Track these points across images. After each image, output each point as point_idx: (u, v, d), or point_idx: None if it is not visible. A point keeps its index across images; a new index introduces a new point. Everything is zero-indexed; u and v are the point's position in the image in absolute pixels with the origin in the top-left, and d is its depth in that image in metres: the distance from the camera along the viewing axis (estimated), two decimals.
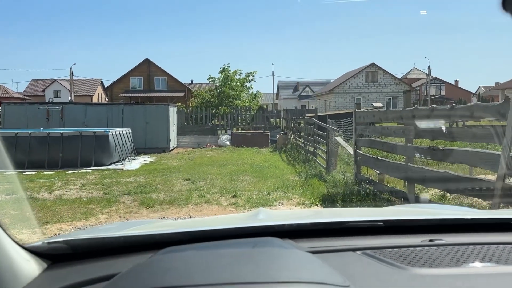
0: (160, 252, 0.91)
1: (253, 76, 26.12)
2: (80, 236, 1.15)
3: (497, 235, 1.09)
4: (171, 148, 15.84)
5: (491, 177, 4.88)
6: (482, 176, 5.53)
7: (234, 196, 6.95)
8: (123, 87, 38.15)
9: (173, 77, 38.76)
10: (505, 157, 3.90)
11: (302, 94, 54.73)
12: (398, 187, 6.37)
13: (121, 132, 12.17)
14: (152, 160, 12.81)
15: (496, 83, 40.39)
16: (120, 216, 5.88)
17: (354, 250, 0.98)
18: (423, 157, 5.74)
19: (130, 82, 38.52)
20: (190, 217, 5.82)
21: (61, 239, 1.00)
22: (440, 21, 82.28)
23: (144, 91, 37.68)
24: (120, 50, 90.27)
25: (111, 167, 11.02)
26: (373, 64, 39.73)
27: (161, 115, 15.40)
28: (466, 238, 1.07)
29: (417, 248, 0.99)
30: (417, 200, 5.40)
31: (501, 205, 3.97)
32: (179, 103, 24.18)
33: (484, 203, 5.00)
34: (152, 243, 1.02)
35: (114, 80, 39.76)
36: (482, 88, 42.10)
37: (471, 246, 1.01)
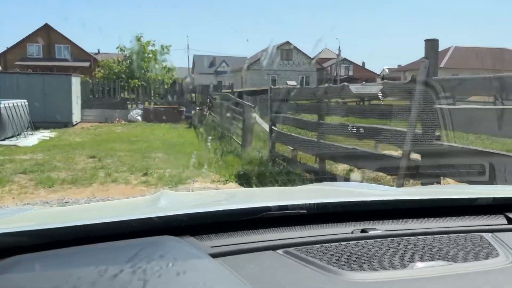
0: None
1: (168, 49, 24.98)
2: None
3: (439, 221, 0.96)
4: (74, 123, 14.63)
5: (395, 153, 5.15)
6: (387, 152, 5.85)
7: (145, 174, 6.56)
8: (19, 54, 34.32)
9: (77, 46, 35.72)
10: (410, 134, 4.07)
11: (218, 69, 54.05)
12: (310, 163, 6.50)
13: (15, 104, 10.90)
14: (52, 136, 11.69)
15: (398, 65, 43.56)
16: (13, 198, 5.27)
17: (275, 248, 0.78)
18: (333, 134, 5.88)
19: (27, 49, 34.80)
20: (95, 197, 5.39)
21: None
22: (350, 2, 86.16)
23: (44, 59, 34.27)
24: (15, 13, 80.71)
25: (3, 143, 9.85)
26: (287, 42, 40.42)
27: (63, 87, 14.08)
28: (404, 226, 0.92)
29: (351, 243, 0.82)
30: (331, 177, 5.53)
31: (406, 180, 4.18)
32: (84, 74, 22.37)
33: (388, 177, 5.28)
34: None
35: (9, 46, 35.73)
36: (386, 70, 45.20)
37: (412, 237, 0.86)
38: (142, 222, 0.81)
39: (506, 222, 0.98)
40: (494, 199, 1.02)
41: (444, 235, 0.88)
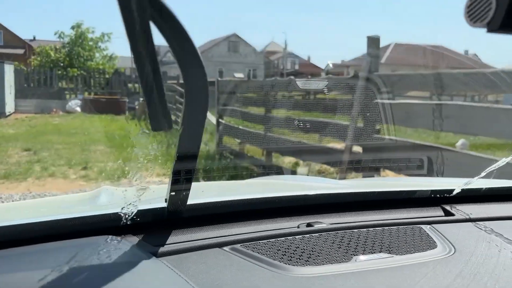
0: None
1: (109, 37, 23.96)
2: None
3: (380, 213, 0.98)
4: (7, 114, 13.70)
5: (339, 146, 5.32)
6: (331, 146, 6.03)
7: (85, 168, 6.28)
8: None
9: (10, 31, 33.31)
10: (352, 127, 4.21)
11: (164, 59, 52.77)
12: (257, 156, 6.54)
13: None
14: None
15: (342, 61, 44.93)
16: None
17: (221, 245, 0.77)
18: (280, 127, 5.95)
19: None
20: (30, 192, 5.09)
21: None
22: None
23: None
24: None
25: None
26: (234, 35, 40.28)
27: None
28: (348, 219, 0.93)
29: (297, 238, 0.82)
30: (277, 170, 5.60)
31: (348, 172, 4.31)
32: (18, 62, 20.94)
33: (332, 170, 5.45)
34: None
35: None
36: (331, 65, 46.45)
37: (356, 230, 0.88)
38: (81, 222, 0.76)
39: (443, 214, 1.02)
40: (432, 191, 1.07)
41: (385, 228, 0.90)
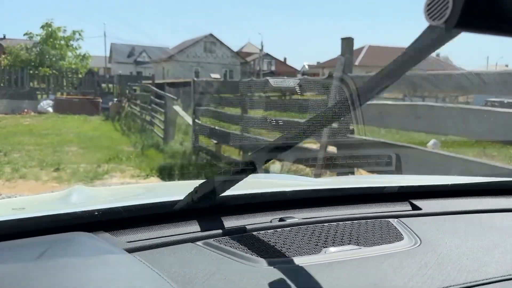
0: None
1: (80, 34, 23.45)
2: None
3: (350, 208, 1.01)
4: None
5: (313, 146, 5.39)
6: (306, 145, 6.09)
7: (57, 169, 6.13)
8: None
9: None
10: (326, 127, 4.27)
11: (138, 59, 51.96)
12: (233, 156, 6.54)
13: None
14: None
15: (318, 62, 45.39)
16: None
17: (193, 240, 0.78)
18: (256, 127, 5.98)
19: None
20: (0, 194, 4.94)
21: None
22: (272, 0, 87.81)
23: None
24: None
25: None
26: (210, 35, 40.13)
27: None
28: (319, 214, 0.96)
29: (269, 232, 0.84)
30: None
31: (323, 171, 4.37)
32: None
33: (307, 169, 5.50)
34: None
35: None
36: (306, 66, 46.84)
37: (326, 224, 0.90)
38: (52, 219, 0.75)
39: (410, 208, 1.06)
40: (400, 187, 1.10)
41: (354, 221, 0.93)
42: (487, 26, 0.48)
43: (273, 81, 4.82)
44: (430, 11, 0.48)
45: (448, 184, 1.16)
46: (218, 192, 0.85)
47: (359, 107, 0.82)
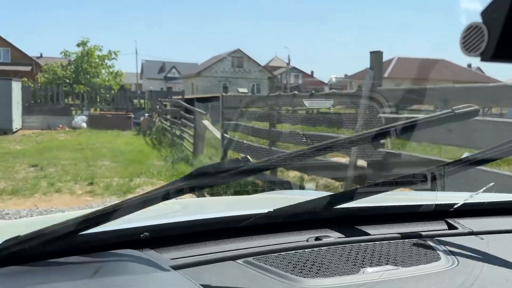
0: None
1: (116, 55, 24.26)
2: None
3: (386, 227, 1.01)
4: (14, 130, 13.83)
5: (342, 159, 5.34)
6: (335, 159, 6.05)
7: (91, 183, 6.31)
8: None
9: (17, 49, 33.73)
10: (357, 142, 4.23)
11: (168, 75, 53.22)
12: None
13: None
14: None
15: (345, 75, 45.17)
16: None
17: (234, 258, 0.80)
18: (284, 142, 5.99)
19: None
20: (37, 208, 5.13)
21: None
22: (300, 13, 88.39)
23: None
24: None
25: None
26: (238, 50, 40.66)
27: (2, 92, 13.33)
28: (355, 233, 0.97)
29: (306, 251, 0.85)
30: (285, 185, 5.62)
31: (354, 186, 4.33)
32: (25, 79, 21.22)
33: (337, 183, 5.45)
34: None
35: None
36: (334, 79, 46.66)
37: (362, 244, 0.91)
38: (102, 236, 0.79)
39: (446, 227, 1.05)
40: (436, 205, 1.09)
41: (391, 241, 0.93)
42: None
43: (304, 101, 4.83)
44: (466, 43, 0.50)
45: (484, 202, 1.14)
46: (251, 210, 0.87)
47: (389, 120, 0.82)
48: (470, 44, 0.49)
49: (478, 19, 0.49)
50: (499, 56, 0.48)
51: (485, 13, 0.48)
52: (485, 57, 0.48)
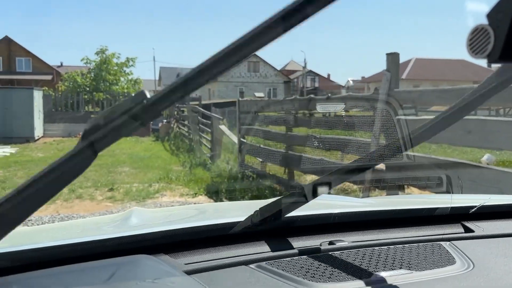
0: None
1: (134, 61, 24.64)
2: None
3: (401, 231, 1.00)
4: (36, 138, 14.17)
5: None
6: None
7: (111, 189, 6.41)
8: None
9: (38, 58, 34.59)
10: (374, 145, 4.19)
11: None
12: (279, 175, 6.55)
13: None
14: (13, 152, 11.27)
15: (362, 77, 44.80)
16: None
17: (247, 263, 0.80)
18: (301, 145, 5.97)
19: None
20: (59, 214, 5.23)
21: None
22: (316, 16, 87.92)
23: (4, 73, 32.96)
24: None
25: None
26: (254, 55, 40.77)
27: (24, 100, 13.66)
28: (369, 237, 0.96)
29: (319, 255, 0.85)
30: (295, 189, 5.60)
31: (372, 190, 4.28)
32: (46, 87, 21.72)
33: (355, 187, 5.40)
34: None
35: None
36: (351, 81, 46.30)
37: (376, 248, 0.90)
38: (117, 242, 0.81)
39: (462, 230, 1.03)
40: (452, 208, 1.08)
41: (405, 245, 0.92)
42: None
43: (317, 106, 4.82)
44: (472, 45, 0.50)
45: (502, 205, 1.12)
46: (272, 215, 0.87)
47: (408, 122, 0.82)
48: (477, 46, 0.49)
49: (484, 21, 0.49)
50: (505, 57, 0.48)
51: (491, 15, 0.48)
52: (491, 59, 0.48)
